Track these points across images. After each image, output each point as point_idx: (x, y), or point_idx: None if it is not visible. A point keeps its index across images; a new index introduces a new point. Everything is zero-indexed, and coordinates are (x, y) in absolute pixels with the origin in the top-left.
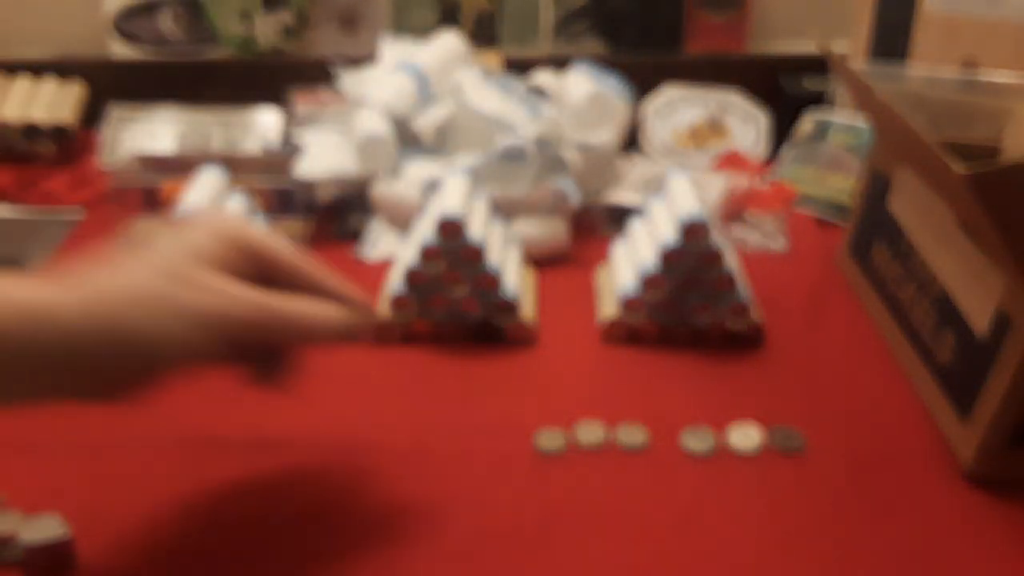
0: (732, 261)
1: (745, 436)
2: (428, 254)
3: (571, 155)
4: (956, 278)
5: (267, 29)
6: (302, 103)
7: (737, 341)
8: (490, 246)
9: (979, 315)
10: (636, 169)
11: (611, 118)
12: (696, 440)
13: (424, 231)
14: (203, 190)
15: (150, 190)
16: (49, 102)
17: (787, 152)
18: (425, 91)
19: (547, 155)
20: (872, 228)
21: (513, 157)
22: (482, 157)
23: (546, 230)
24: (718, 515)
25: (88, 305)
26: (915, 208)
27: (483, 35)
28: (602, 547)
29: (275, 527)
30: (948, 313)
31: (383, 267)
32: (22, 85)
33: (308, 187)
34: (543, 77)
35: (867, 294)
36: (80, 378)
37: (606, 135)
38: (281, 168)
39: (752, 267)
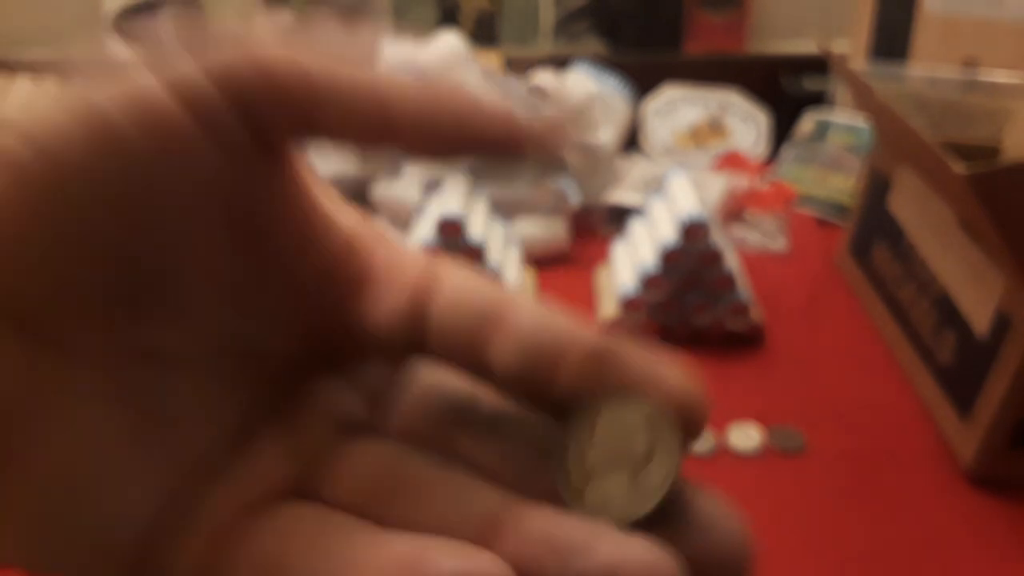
0: (732, 261)
1: (745, 436)
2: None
3: (571, 155)
4: (956, 278)
5: None
6: None
7: (737, 341)
8: (490, 246)
9: (979, 315)
10: (636, 169)
11: (611, 118)
12: (696, 440)
13: (424, 231)
14: None
15: None
16: None
17: (787, 152)
18: None
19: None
20: (872, 228)
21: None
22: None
23: (546, 230)
24: None
25: None
26: (915, 208)
27: (483, 35)
28: None
29: None
30: (948, 313)
31: None
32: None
33: None
34: (543, 77)
35: (867, 294)
36: None
37: (606, 135)
38: None
39: (752, 267)
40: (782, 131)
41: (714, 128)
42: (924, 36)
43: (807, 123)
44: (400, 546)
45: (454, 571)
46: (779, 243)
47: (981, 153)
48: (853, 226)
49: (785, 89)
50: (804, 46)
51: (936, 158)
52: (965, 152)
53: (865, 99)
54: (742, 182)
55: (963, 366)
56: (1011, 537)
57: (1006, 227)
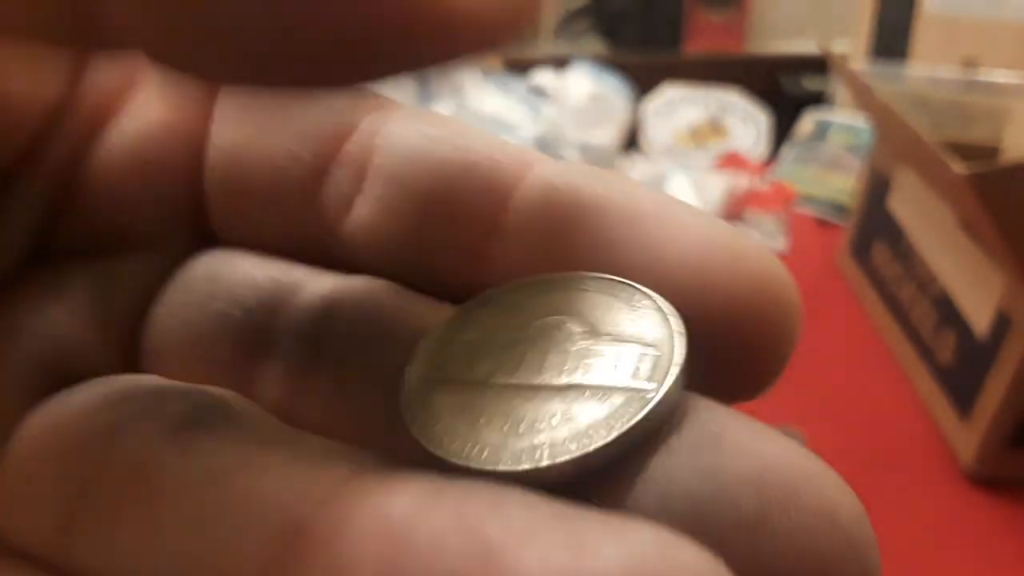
0: None
1: None
2: None
3: (571, 155)
4: (956, 278)
5: None
6: None
7: None
8: None
9: (979, 315)
10: (636, 169)
11: (611, 118)
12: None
13: None
14: None
15: None
16: None
17: (787, 152)
18: (425, 91)
19: (547, 155)
20: (872, 228)
21: None
22: None
23: None
24: None
25: None
26: (915, 208)
27: None
28: None
29: None
30: (948, 313)
31: None
32: None
33: None
34: (543, 77)
35: (867, 294)
36: None
37: (606, 135)
38: None
39: None
40: (782, 131)
41: (714, 128)
42: (924, 36)
43: (807, 123)
44: None
45: None
46: (779, 243)
47: (981, 153)
48: (853, 226)
49: (785, 89)
50: (804, 46)
51: (936, 158)
52: (965, 152)
53: (865, 99)
54: (742, 182)
55: (963, 366)
56: (1011, 537)
57: (1006, 227)
